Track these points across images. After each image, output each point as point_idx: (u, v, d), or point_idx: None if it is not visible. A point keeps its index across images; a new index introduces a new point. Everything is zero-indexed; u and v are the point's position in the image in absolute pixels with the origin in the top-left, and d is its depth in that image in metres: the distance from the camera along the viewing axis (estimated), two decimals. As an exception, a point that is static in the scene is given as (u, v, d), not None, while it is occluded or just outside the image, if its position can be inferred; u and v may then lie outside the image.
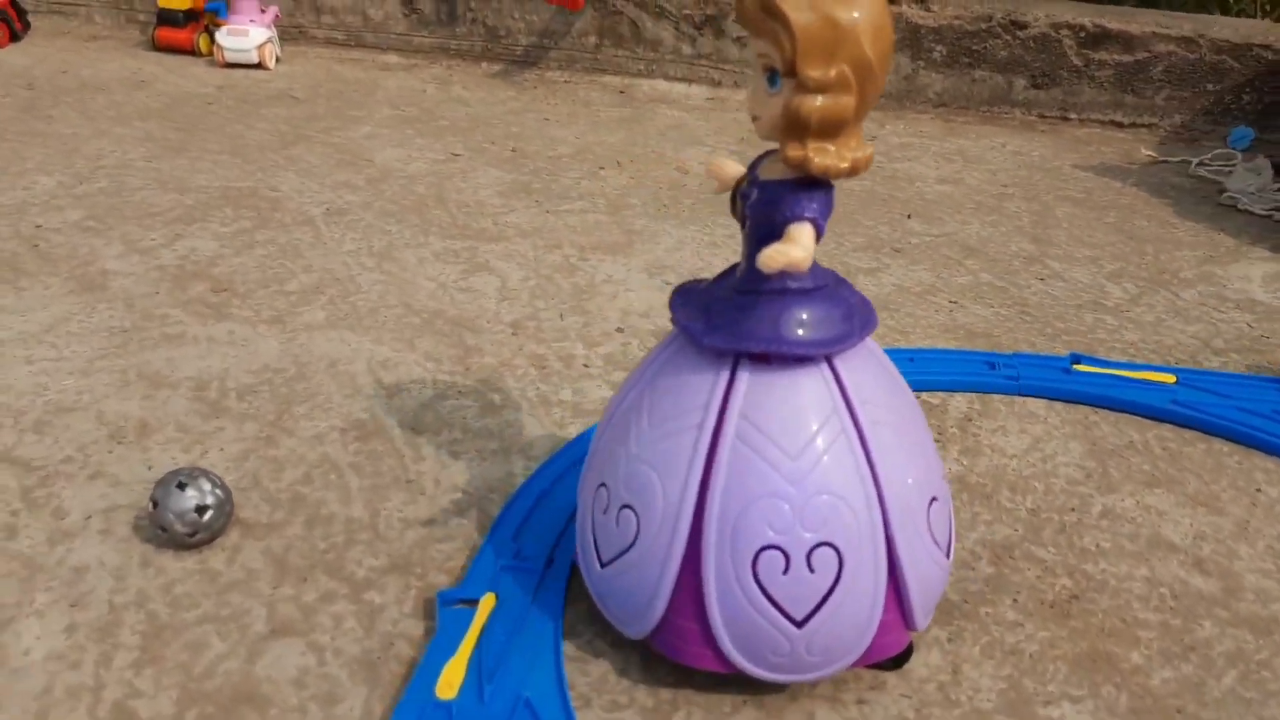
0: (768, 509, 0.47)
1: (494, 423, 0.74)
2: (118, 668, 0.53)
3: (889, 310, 0.92)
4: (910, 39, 1.47)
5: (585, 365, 0.82)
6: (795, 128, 0.44)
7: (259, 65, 1.56)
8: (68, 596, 0.57)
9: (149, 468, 0.67)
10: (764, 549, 0.48)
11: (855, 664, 0.51)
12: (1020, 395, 0.80)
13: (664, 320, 0.88)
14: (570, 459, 0.69)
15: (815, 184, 0.46)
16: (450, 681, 0.51)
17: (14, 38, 1.61)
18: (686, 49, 1.55)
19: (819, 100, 0.43)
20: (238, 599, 0.57)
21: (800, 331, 0.48)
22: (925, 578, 0.50)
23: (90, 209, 1.05)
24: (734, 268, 0.51)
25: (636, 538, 0.50)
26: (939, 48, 1.47)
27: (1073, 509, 0.68)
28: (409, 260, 0.98)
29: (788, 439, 0.48)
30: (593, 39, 1.58)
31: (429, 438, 0.72)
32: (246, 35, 1.53)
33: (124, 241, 0.98)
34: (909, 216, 1.13)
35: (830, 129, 0.44)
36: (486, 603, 0.56)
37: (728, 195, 0.50)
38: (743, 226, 0.49)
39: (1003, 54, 1.45)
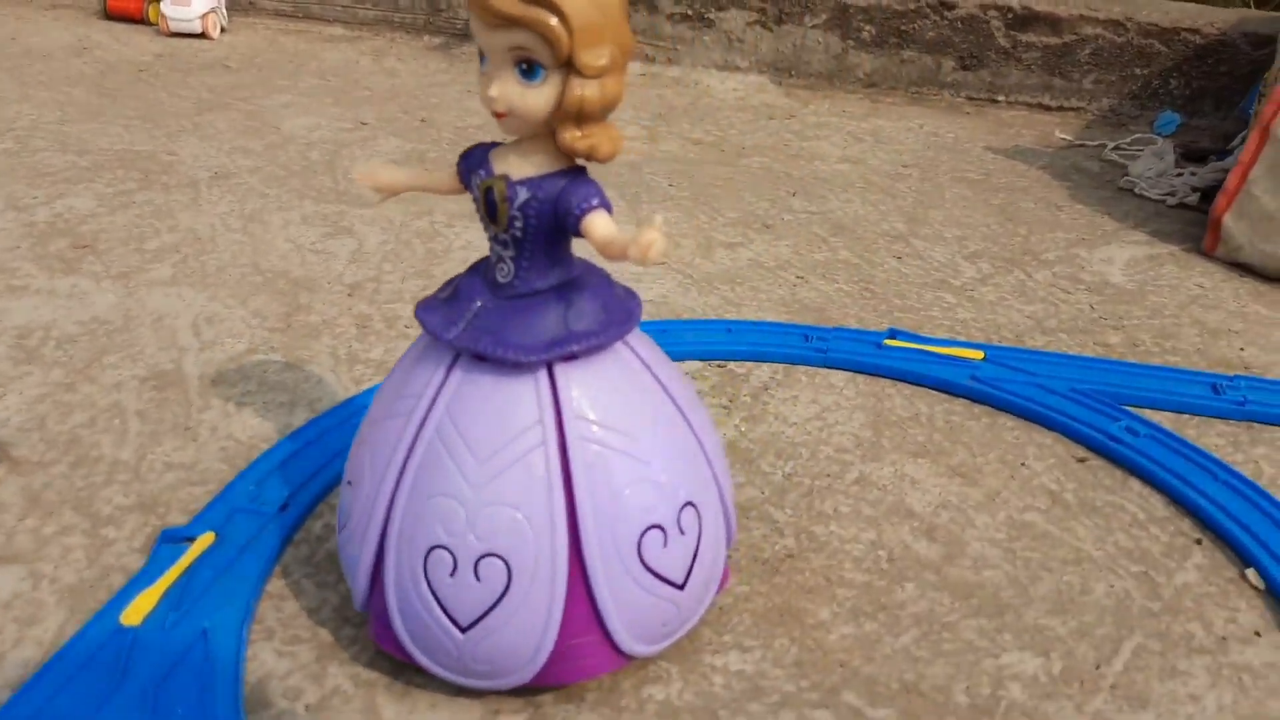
0: (443, 509, 0.47)
1: (292, 377, 0.76)
2: None
3: (735, 284, 0.93)
4: (839, 18, 1.47)
5: (406, 326, 0.84)
6: (578, 117, 0.44)
7: (202, 35, 1.59)
8: None
9: (-54, 408, 0.70)
10: (434, 548, 0.47)
11: (544, 681, 0.50)
12: (826, 367, 0.81)
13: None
14: (345, 414, 0.71)
15: (579, 172, 0.46)
16: (139, 609, 0.54)
17: (-25, 5, 1.66)
18: (621, 25, 1.55)
19: (600, 86, 0.43)
20: (-20, 529, 0.60)
21: (518, 336, 0.47)
22: (633, 606, 0.49)
23: (-14, 168, 1.09)
24: (481, 270, 0.50)
25: (350, 513, 0.51)
26: (868, 27, 1.46)
27: (828, 475, 0.69)
28: (275, 223, 1.00)
29: (480, 442, 0.47)
30: (530, 14, 1.59)
31: (223, 389, 0.74)
32: (189, 5, 1.57)
33: (6, 199, 1.02)
34: (793, 194, 1.14)
35: (605, 114, 0.44)
36: (203, 541, 0.59)
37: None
38: (504, 228, 0.47)
39: (931, 34, 1.44)
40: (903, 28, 1.45)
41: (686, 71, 1.54)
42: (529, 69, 0.43)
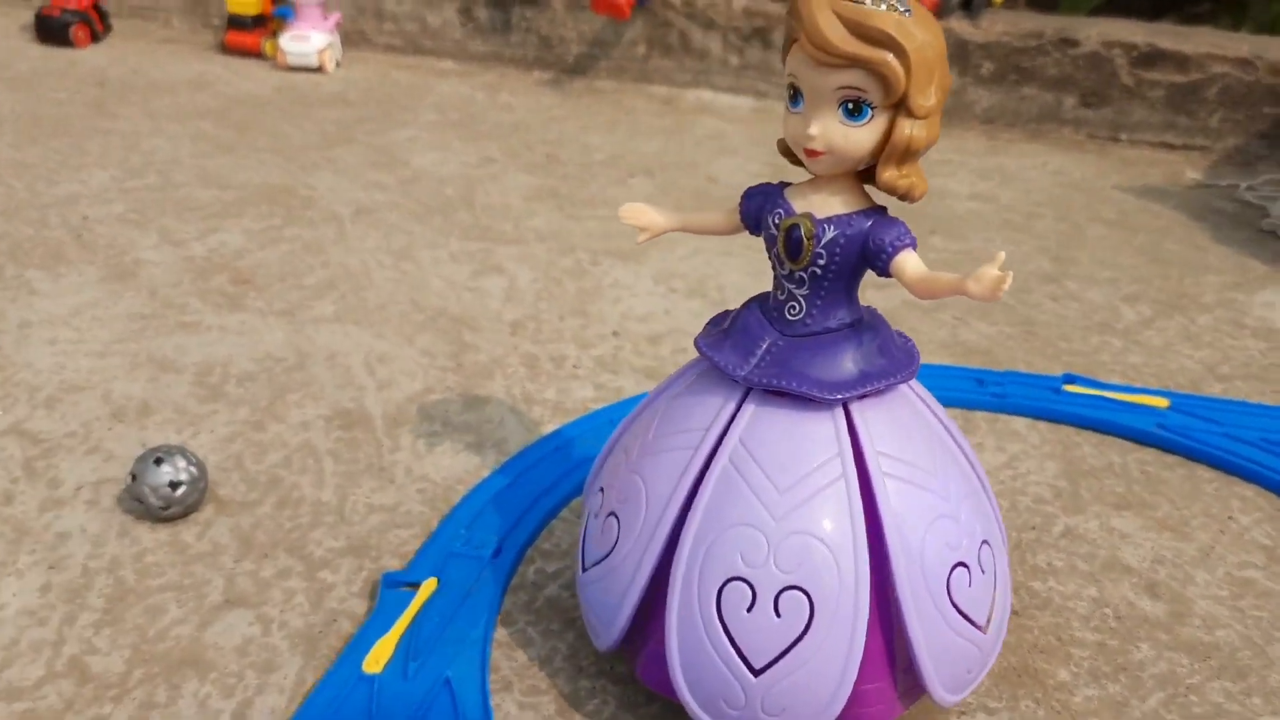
0: (743, 538, 0.46)
1: (474, 418, 0.76)
2: (80, 626, 0.56)
3: (893, 325, 0.92)
4: (958, 54, 1.46)
5: (575, 366, 0.84)
6: (904, 156, 0.44)
7: (319, 69, 1.61)
8: (48, 559, 0.61)
9: (143, 445, 0.71)
10: (731, 580, 0.46)
11: None
12: (1005, 413, 0.79)
13: (658, 325, 0.90)
14: (536, 456, 0.71)
15: (883, 212, 0.47)
16: (378, 657, 0.54)
17: (95, 38, 1.70)
18: (734, 60, 1.56)
19: (927, 126, 0.44)
20: (200, 570, 0.61)
21: (818, 373, 0.47)
22: (943, 648, 0.47)
23: (135, 202, 1.10)
24: (759, 307, 0.50)
25: (615, 545, 0.50)
26: (987, 63, 1.45)
27: (1034, 527, 0.67)
28: (425, 259, 1.01)
29: (779, 472, 0.47)
30: (642, 49, 1.60)
31: (409, 429, 0.75)
32: (308, 40, 1.59)
33: (160, 234, 1.03)
34: (932, 232, 1.13)
35: (923, 154, 0.45)
36: (427, 586, 0.59)
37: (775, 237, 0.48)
38: (803, 265, 0.47)
39: (1052, 71, 1.43)
40: (1023, 64, 1.44)
41: (800, 107, 1.54)
42: (855, 108, 0.43)
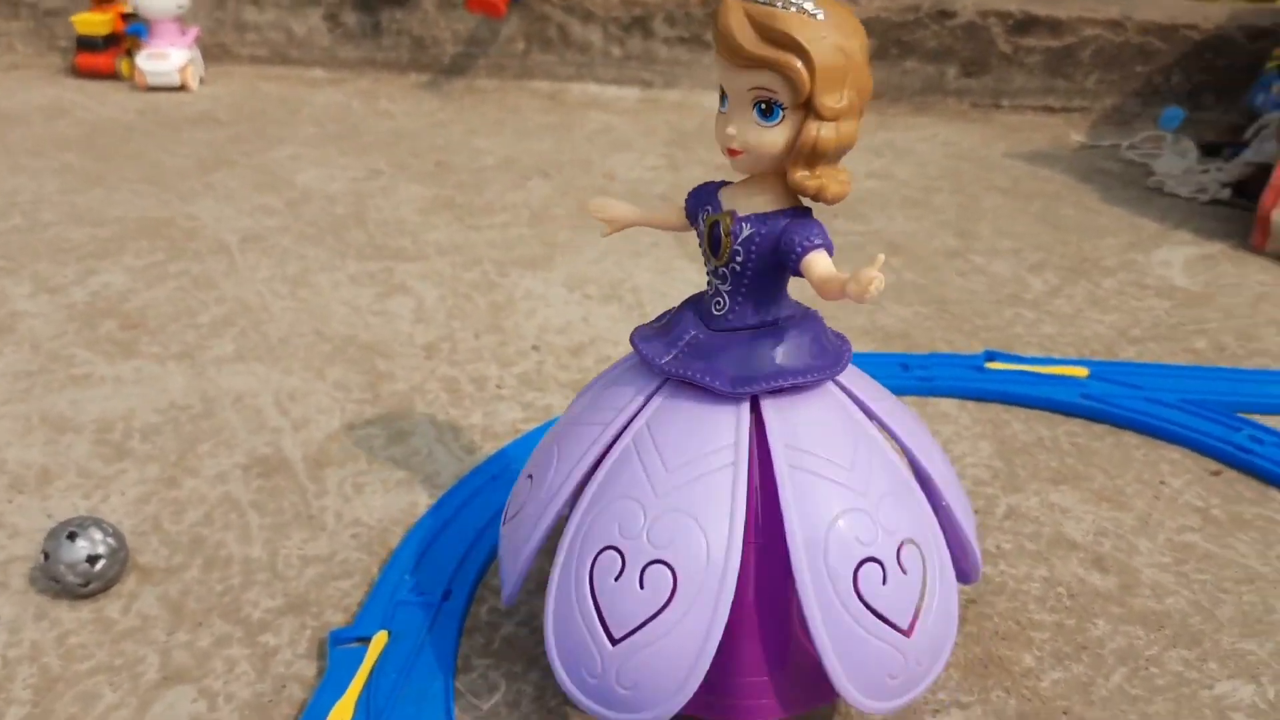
0: (624, 510, 0.47)
1: (401, 451, 0.74)
2: (4, 728, 0.52)
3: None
4: (835, 33, 1.47)
5: (498, 386, 0.81)
6: (811, 157, 0.44)
7: (181, 87, 1.54)
8: (-44, 656, 0.56)
9: (48, 516, 0.66)
10: (606, 549, 0.47)
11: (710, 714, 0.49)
12: (933, 396, 0.80)
13: (578, 334, 0.89)
14: (472, 486, 0.68)
15: (803, 212, 0.47)
16: (338, 724, 0.51)
17: (-67, 70, 1.59)
18: (616, 51, 1.54)
19: (836, 128, 0.44)
20: (131, 647, 0.57)
21: (728, 368, 0.48)
22: (852, 646, 0.46)
23: (2, 248, 1.03)
24: (695, 303, 0.50)
25: (524, 504, 0.51)
26: (868, 40, 1.46)
27: (978, 510, 0.68)
28: (323, 285, 0.97)
29: (672, 455, 0.47)
30: (520, 44, 1.57)
31: (333, 470, 0.71)
32: (167, 58, 1.52)
33: (34, 281, 0.97)
34: (835, 216, 1.13)
35: (838, 156, 0.45)
36: (378, 641, 0.56)
37: (697, 231, 0.49)
38: (724, 261, 0.47)
39: (932, 44, 1.45)
40: (903, 38, 1.46)
41: (687, 94, 1.53)
42: (767, 109, 0.44)
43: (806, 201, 0.47)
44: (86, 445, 0.74)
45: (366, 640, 0.56)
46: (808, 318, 0.50)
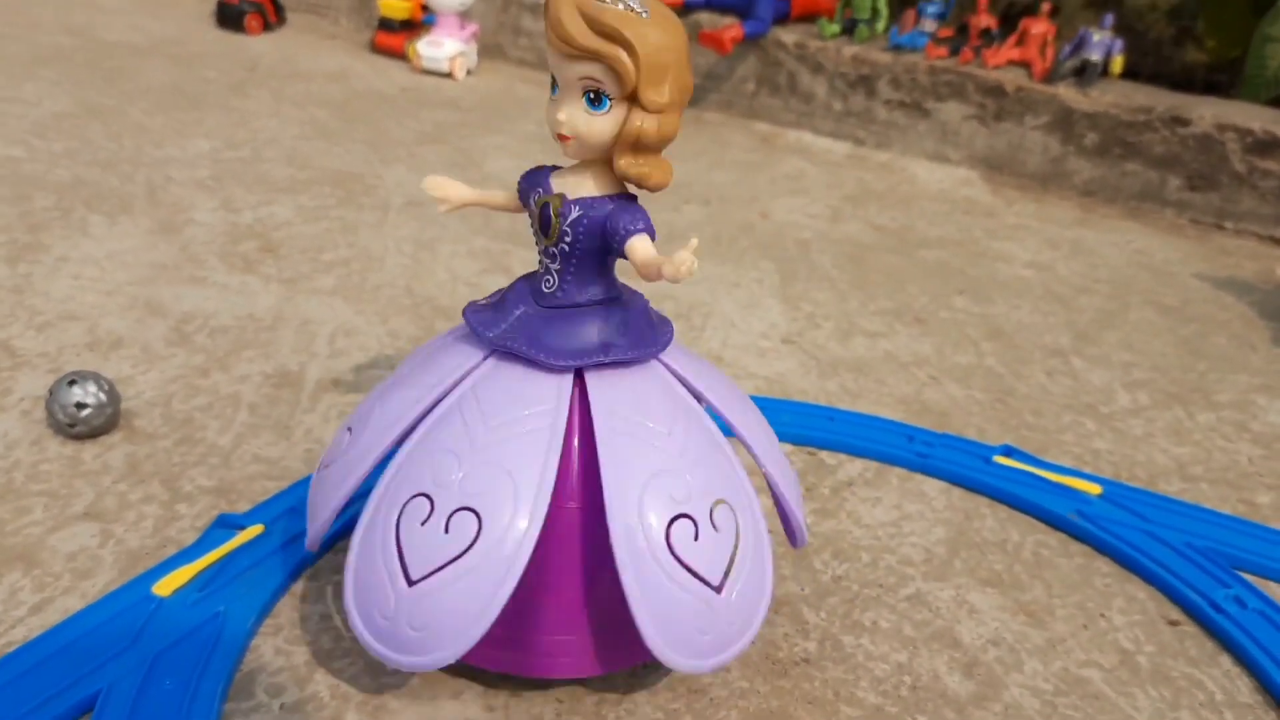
0: (440, 461, 0.49)
1: (397, 395, 0.80)
2: (-46, 512, 0.64)
3: (861, 373, 0.90)
4: (1063, 121, 1.40)
5: (519, 365, 0.86)
6: (636, 146, 0.48)
7: (449, 75, 1.71)
8: (-36, 453, 0.69)
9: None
10: (416, 495, 0.49)
11: (515, 669, 0.52)
12: (924, 474, 0.77)
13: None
14: (422, 435, 0.74)
15: (629, 199, 0.51)
16: (172, 583, 0.58)
17: (267, 27, 1.86)
18: (838, 105, 1.55)
19: (658, 121, 0.47)
20: (79, 485, 0.67)
21: (553, 341, 0.51)
22: (662, 600, 0.48)
23: (218, 171, 1.21)
24: (527, 281, 0.54)
25: (340, 455, 0.55)
26: (1091, 134, 1.39)
27: (881, 585, 0.65)
28: (443, 253, 1.06)
29: (494, 414, 0.50)
30: (751, 85, 1.62)
31: (331, 397, 0.79)
32: (441, 46, 1.69)
33: (223, 200, 1.13)
34: (960, 292, 1.09)
35: (660, 147, 0.49)
36: (251, 531, 0.63)
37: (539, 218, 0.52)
38: (553, 241, 0.51)
39: (1159, 149, 1.35)
40: (1129, 139, 1.37)
41: (895, 158, 1.51)
42: (596, 98, 0.47)
43: (631, 188, 0.51)
44: (162, 330, 0.86)
45: (244, 528, 0.63)
46: (634, 299, 0.53)
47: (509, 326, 0.52)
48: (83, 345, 0.83)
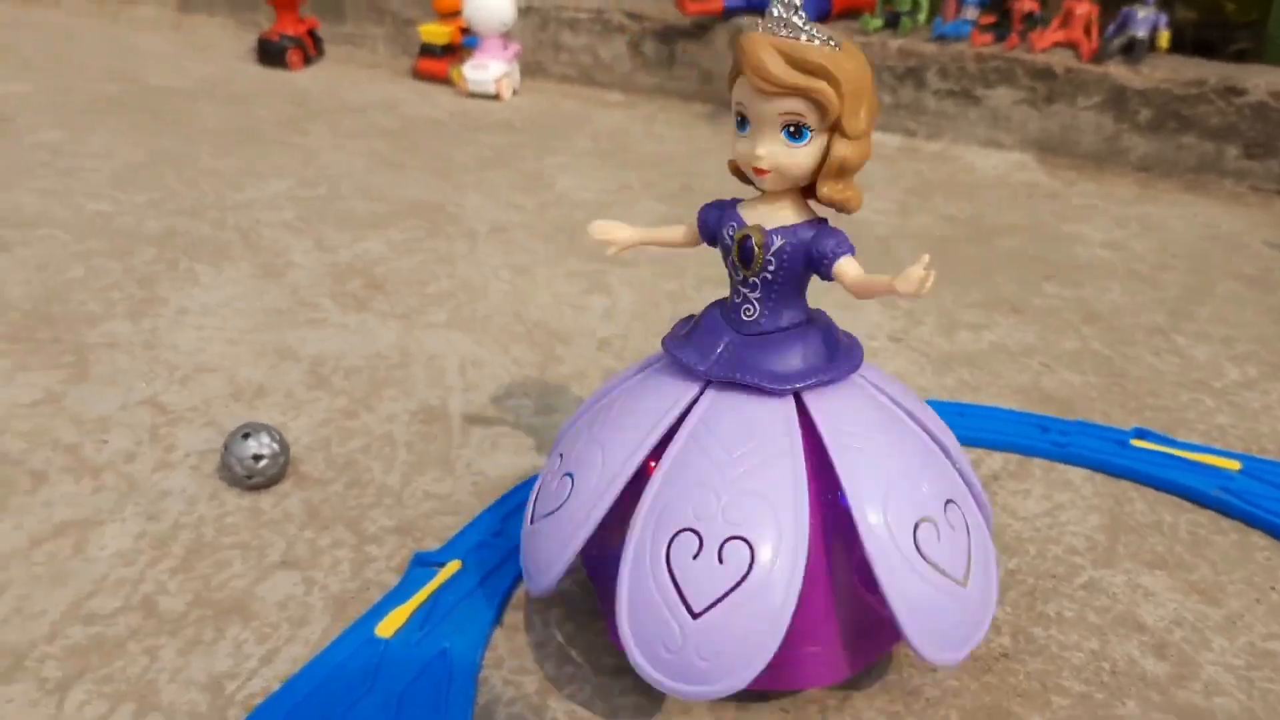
0: (697, 495, 0.51)
1: (542, 423, 0.83)
2: (159, 570, 0.66)
3: (975, 367, 0.93)
4: (1115, 99, 1.42)
5: (648, 384, 0.89)
6: (839, 173, 0.50)
7: (496, 96, 1.73)
8: (149, 512, 0.71)
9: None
10: (681, 531, 0.51)
11: (766, 685, 0.53)
12: (1065, 463, 0.79)
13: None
14: (583, 461, 0.76)
15: (825, 222, 0.53)
16: (392, 624, 0.60)
17: (308, 61, 1.88)
18: (886, 98, 1.57)
19: (859, 146, 0.50)
20: (267, 534, 0.69)
21: (771, 367, 0.54)
22: (920, 601, 0.50)
23: (302, 210, 1.23)
24: (719, 310, 0.56)
25: (565, 501, 0.56)
26: (1145, 110, 1.41)
27: (1054, 576, 0.67)
28: (540, 277, 1.08)
29: (735, 445, 0.52)
30: (797, 85, 1.63)
31: (480, 428, 0.82)
32: (487, 69, 1.71)
33: (315, 240, 1.15)
34: (1047, 278, 1.12)
35: (858, 170, 0.51)
36: (451, 567, 0.65)
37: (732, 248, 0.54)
38: (755, 272, 0.53)
39: (1215, 120, 1.37)
40: (1183, 112, 1.39)
41: (948, 147, 1.54)
42: (796, 131, 0.49)
43: (822, 211, 0.53)
44: (299, 374, 0.88)
45: (443, 565, 0.65)
46: (824, 319, 0.56)
47: (720, 357, 0.54)
48: (227, 396, 0.85)
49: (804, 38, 0.48)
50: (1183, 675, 0.60)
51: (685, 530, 0.50)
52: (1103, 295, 1.08)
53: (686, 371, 0.55)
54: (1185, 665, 0.60)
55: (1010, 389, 0.89)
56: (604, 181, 1.37)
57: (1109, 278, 1.12)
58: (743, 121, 0.51)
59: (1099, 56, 1.44)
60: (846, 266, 0.51)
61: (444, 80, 1.81)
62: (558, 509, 0.56)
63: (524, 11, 1.79)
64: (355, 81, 1.81)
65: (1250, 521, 0.72)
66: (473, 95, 1.75)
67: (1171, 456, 0.78)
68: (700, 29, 1.69)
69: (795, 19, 0.48)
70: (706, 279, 1.09)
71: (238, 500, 0.72)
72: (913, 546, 0.51)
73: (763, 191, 0.53)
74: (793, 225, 0.52)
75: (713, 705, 0.57)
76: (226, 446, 0.72)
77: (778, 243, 0.52)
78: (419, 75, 1.84)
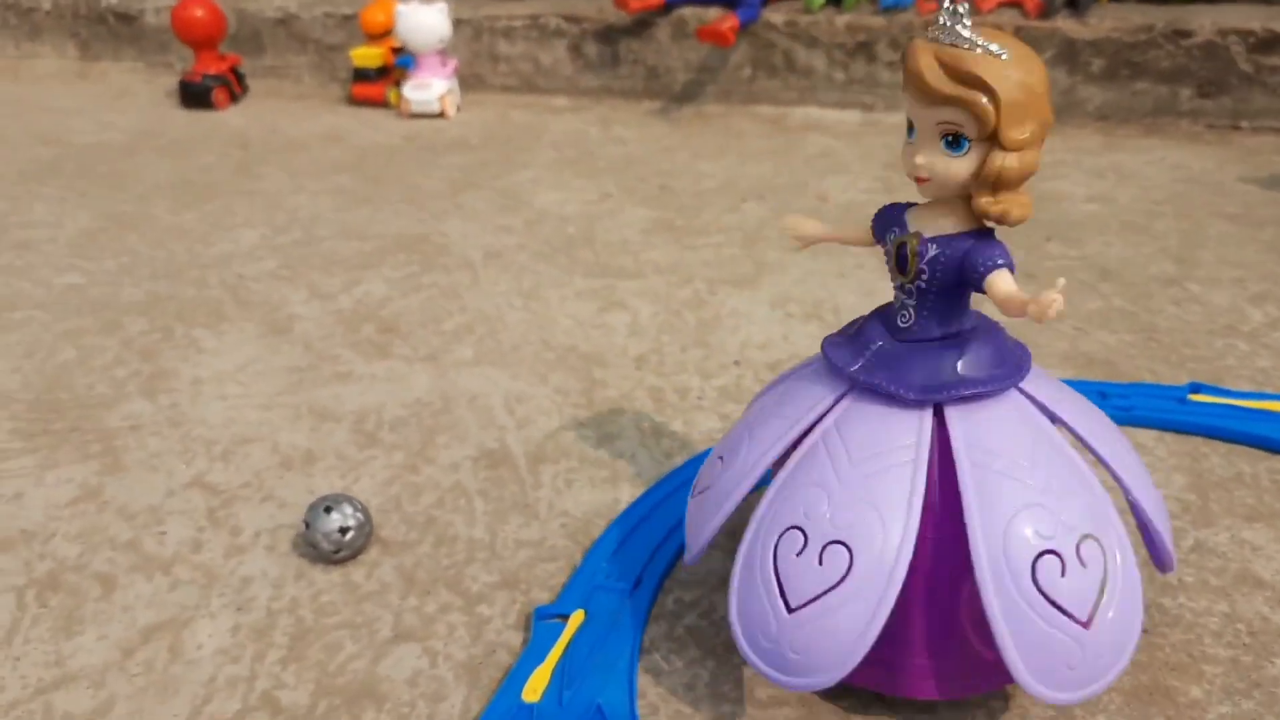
0: (810, 495, 0.52)
1: (607, 452, 0.81)
2: (269, 663, 0.63)
3: (1010, 335, 0.93)
4: (1067, 53, 1.45)
5: (699, 398, 0.88)
6: (995, 185, 0.49)
7: (440, 114, 1.69)
8: (235, 602, 0.68)
9: (310, 492, 0.78)
10: (791, 528, 0.52)
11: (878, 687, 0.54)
12: (1131, 425, 0.80)
13: (778, 351, 0.94)
14: (668, 489, 0.75)
15: (987, 234, 0.52)
16: (535, 687, 0.59)
17: (234, 99, 1.82)
18: (839, 75, 1.58)
19: (1020, 158, 0.48)
20: (370, 608, 0.67)
21: (912, 376, 0.53)
22: (1029, 634, 0.49)
23: (284, 259, 1.19)
24: (881, 314, 0.56)
25: (715, 479, 0.58)
26: (1097, 60, 1.44)
27: (1161, 541, 0.68)
28: (552, 299, 1.06)
29: (857, 449, 0.53)
30: (747, 71, 1.63)
31: (549, 466, 0.80)
32: (429, 87, 1.67)
33: (309, 288, 1.11)
34: (1048, 239, 1.13)
35: (1020, 183, 0.50)
36: (576, 618, 0.63)
37: (890, 250, 0.54)
38: (911, 279, 0.52)
39: (1166, 64, 1.41)
40: (1134, 59, 1.42)
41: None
42: (954, 141, 0.48)
43: (989, 223, 0.52)
44: (344, 433, 0.85)
45: (566, 617, 0.64)
46: (990, 329, 0.55)
47: (867, 360, 0.54)
48: (277, 466, 0.81)
49: (967, 45, 0.47)
50: (1316, 624, 0.61)
51: (794, 527, 0.52)
52: (1107, 250, 1.10)
53: (836, 372, 0.55)
54: (1314, 614, 0.62)
55: (1054, 356, 0.90)
56: (582, 192, 1.36)
57: (1106, 232, 1.14)
58: (910, 128, 0.50)
59: (1046, 12, 1.47)
60: (997, 280, 0.50)
61: (381, 104, 1.77)
62: (707, 488, 0.59)
63: (456, 24, 1.75)
64: (290, 115, 1.76)
65: (1324, 461, 0.74)
66: (415, 116, 1.71)
67: (1232, 407, 0.80)
68: (641, 25, 1.68)
69: (960, 27, 0.47)
70: (718, 281, 1.08)
71: (327, 577, 0.70)
72: (1029, 579, 0.49)
73: (926, 199, 0.52)
74: (952, 234, 0.51)
75: (872, 704, 0.56)
76: (308, 524, 0.69)
77: (932, 251, 0.51)
78: (355, 101, 1.79)
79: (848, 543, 0.50)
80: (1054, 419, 0.55)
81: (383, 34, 1.75)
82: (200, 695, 0.61)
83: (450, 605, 0.67)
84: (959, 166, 0.49)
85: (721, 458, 0.59)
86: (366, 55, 1.75)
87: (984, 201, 0.50)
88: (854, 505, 0.51)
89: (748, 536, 0.54)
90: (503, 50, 1.78)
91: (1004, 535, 0.50)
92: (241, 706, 0.60)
